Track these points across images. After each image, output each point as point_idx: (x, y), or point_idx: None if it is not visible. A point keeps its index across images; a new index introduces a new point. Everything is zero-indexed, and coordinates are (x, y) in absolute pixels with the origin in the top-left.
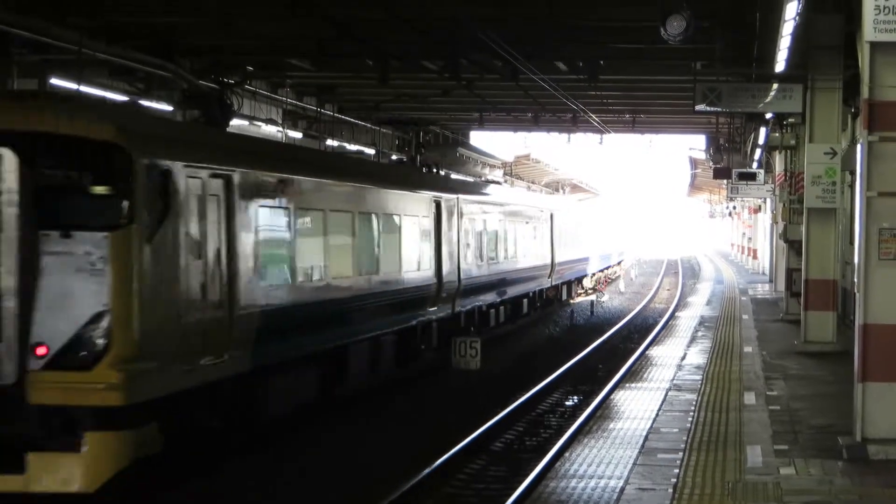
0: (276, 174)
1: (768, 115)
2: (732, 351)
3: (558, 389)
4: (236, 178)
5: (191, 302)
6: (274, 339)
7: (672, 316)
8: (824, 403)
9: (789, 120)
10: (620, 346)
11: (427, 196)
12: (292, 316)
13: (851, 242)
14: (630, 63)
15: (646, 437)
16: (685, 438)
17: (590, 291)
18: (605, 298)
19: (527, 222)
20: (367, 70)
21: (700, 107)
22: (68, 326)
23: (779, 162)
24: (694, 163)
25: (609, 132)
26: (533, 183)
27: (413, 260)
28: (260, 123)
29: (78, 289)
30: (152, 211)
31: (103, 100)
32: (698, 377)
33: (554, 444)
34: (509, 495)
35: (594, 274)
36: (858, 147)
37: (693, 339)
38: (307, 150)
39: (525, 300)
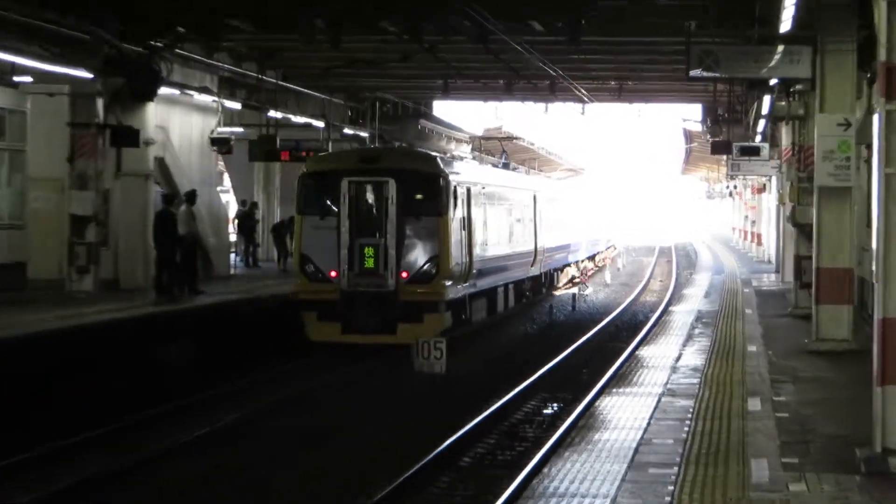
0: (488, 185)
1: (773, 82)
2: (734, 351)
3: (536, 395)
4: (472, 188)
5: (460, 252)
6: (481, 278)
7: (665, 311)
8: (839, 410)
9: (797, 87)
10: (607, 345)
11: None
12: (488, 267)
13: (869, 225)
14: (615, 23)
15: (636, 450)
16: (681, 451)
17: (570, 284)
18: (588, 291)
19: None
20: (315, 32)
21: (695, 72)
22: (418, 262)
23: (785, 135)
24: (689, 136)
25: (592, 101)
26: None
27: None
28: (192, 92)
29: (423, 244)
30: (450, 206)
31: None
32: (695, 381)
33: (531, 458)
34: None
35: (580, 262)
36: (875, 117)
37: (689, 338)
38: (494, 169)
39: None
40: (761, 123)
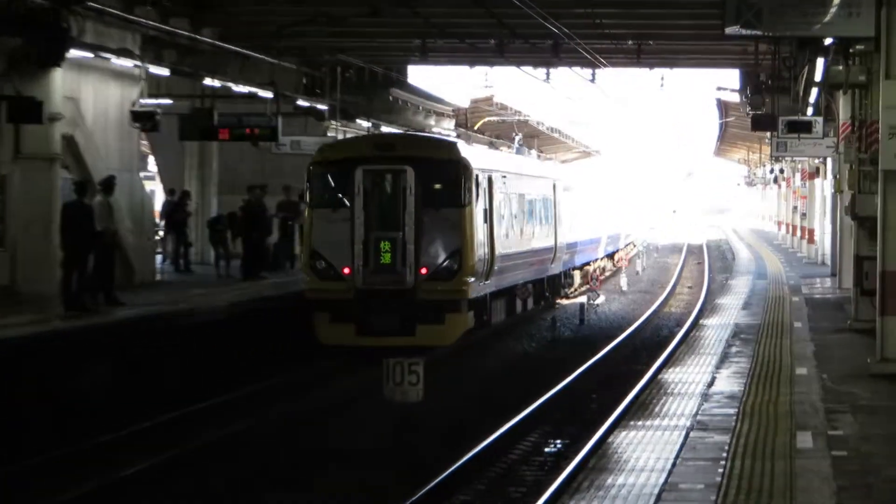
0: (508, 173)
1: (827, 42)
2: (780, 374)
3: (537, 429)
4: (493, 176)
5: (483, 247)
6: (502, 275)
7: (694, 325)
8: None
9: (857, 48)
10: (622, 367)
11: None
12: (509, 264)
13: None
14: None
15: (658, 497)
16: (714, 498)
17: (575, 292)
18: (600, 301)
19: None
20: None
21: (732, 30)
22: (439, 258)
23: (843, 107)
24: (724, 109)
25: (604, 66)
26: (497, 139)
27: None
28: (109, 56)
29: (444, 238)
30: (473, 196)
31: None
32: (732, 411)
33: None
34: None
35: (598, 260)
36: None
37: (724, 358)
38: (512, 155)
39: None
40: (813, 93)
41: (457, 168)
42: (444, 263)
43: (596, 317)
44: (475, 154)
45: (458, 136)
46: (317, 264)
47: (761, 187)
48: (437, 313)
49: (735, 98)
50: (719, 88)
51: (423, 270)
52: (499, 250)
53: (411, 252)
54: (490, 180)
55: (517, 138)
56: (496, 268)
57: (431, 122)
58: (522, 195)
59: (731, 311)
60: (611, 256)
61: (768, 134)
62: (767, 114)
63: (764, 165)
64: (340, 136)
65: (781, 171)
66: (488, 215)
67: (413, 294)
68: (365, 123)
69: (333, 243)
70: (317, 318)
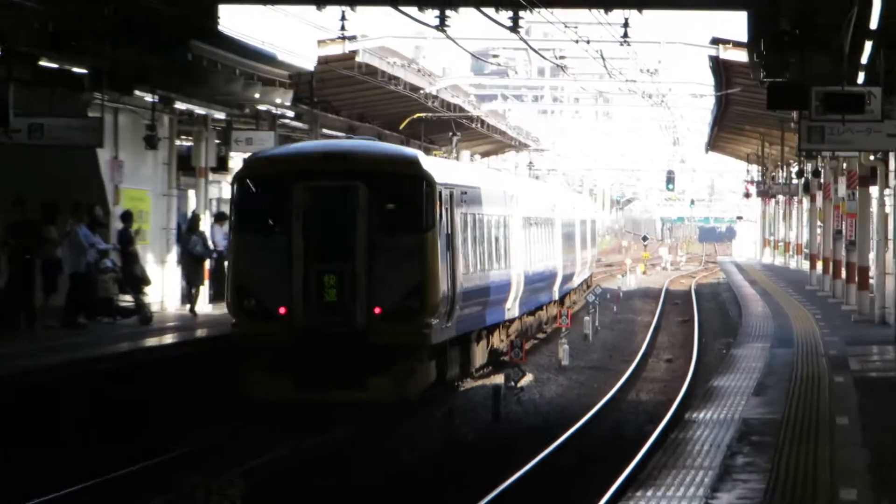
0: (466, 187)
1: None
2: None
3: None
4: (454, 193)
5: (446, 281)
6: (462, 317)
7: (677, 421)
8: None
9: None
10: (558, 497)
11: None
12: (470, 302)
13: None
14: None
15: None
16: None
17: (483, 370)
18: (527, 381)
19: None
20: None
21: None
22: (396, 294)
23: None
24: (723, 73)
25: (533, 5)
26: (361, 122)
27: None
28: None
29: (403, 269)
30: (437, 218)
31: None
32: None
33: None
34: None
35: (553, 303)
36: None
37: (725, 476)
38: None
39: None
40: (866, 49)
41: (419, 185)
42: (403, 301)
43: (519, 408)
44: (438, 167)
45: (301, 117)
46: (245, 303)
47: (783, 200)
48: (394, 362)
49: (741, 57)
50: (716, 42)
51: (377, 309)
52: (462, 285)
53: (363, 287)
54: (451, 198)
55: (455, 140)
56: (458, 308)
57: (255, 93)
58: (482, 216)
59: (735, 399)
60: (561, 301)
61: (794, 115)
62: (793, 82)
63: (787, 165)
64: (107, 116)
65: (816, 172)
66: (450, 241)
67: (364, 338)
68: (148, 97)
69: (266, 277)
70: (246, 368)
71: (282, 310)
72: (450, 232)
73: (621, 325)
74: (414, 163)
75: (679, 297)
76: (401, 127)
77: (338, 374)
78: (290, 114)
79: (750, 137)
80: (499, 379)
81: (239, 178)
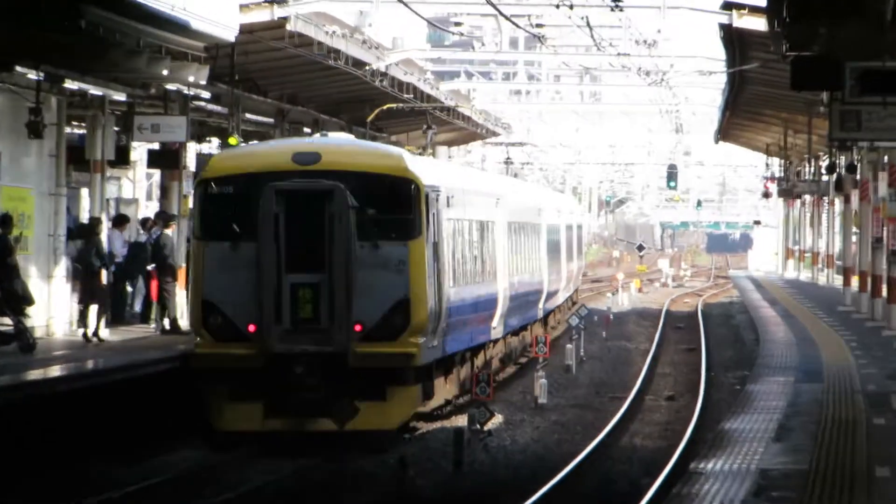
0: (455, 190)
1: None
2: None
3: None
4: (440, 196)
5: (434, 294)
6: (450, 335)
7: (681, 472)
8: None
9: None
10: None
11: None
12: (459, 319)
13: None
14: None
15: None
16: None
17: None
18: (495, 423)
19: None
20: None
21: None
22: (379, 309)
23: None
24: (737, 49)
25: None
26: (294, 105)
27: None
28: None
29: (387, 282)
30: (425, 225)
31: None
32: None
33: None
34: None
35: (538, 321)
36: None
37: None
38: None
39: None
40: None
41: (405, 187)
42: (388, 317)
43: (487, 456)
44: (424, 167)
45: (220, 99)
46: (210, 320)
47: (810, 201)
48: (378, 385)
49: (759, 26)
50: (729, 7)
51: (358, 327)
52: (450, 299)
53: (342, 302)
54: (438, 201)
55: (430, 134)
56: (444, 324)
57: (163, 69)
58: (468, 222)
59: (751, 446)
60: (545, 320)
61: (823, 97)
62: (822, 56)
63: (816, 158)
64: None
65: (851, 167)
66: (437, 251)
67: (344, 359)
68: (31, 75)
69: (233, 291)
70: (211, 394)
71: (251, 328)
72: (437, 240)
73: (612, 354)
74: (399, 162)
75: (683, 320)
76: (368, 118)
77: (314, 401)
78: (206, 95)
79: (770, 124)
80: (462, 420)
81: (202, 181)
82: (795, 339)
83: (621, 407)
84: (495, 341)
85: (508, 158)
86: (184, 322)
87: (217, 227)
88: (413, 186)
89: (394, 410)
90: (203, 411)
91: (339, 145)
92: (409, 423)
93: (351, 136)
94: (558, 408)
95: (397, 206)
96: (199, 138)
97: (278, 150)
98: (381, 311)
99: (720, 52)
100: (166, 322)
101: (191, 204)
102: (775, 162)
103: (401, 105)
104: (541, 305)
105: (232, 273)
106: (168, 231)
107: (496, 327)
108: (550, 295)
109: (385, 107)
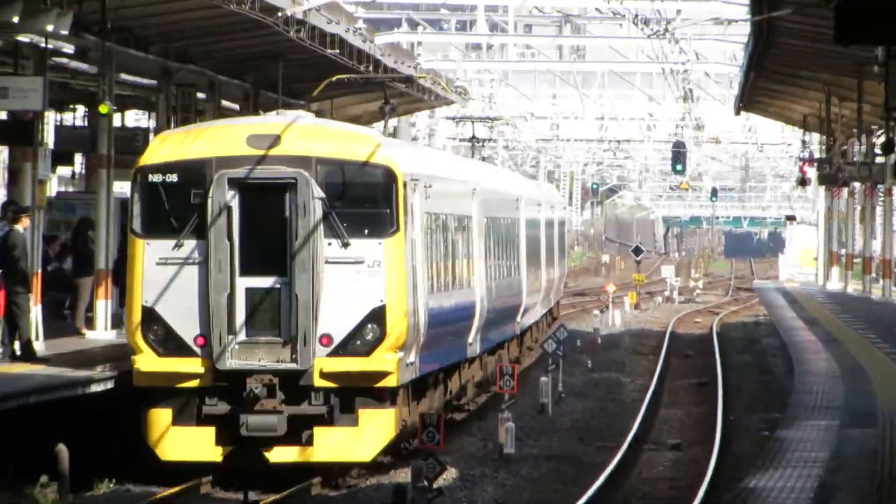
0: (432, 176)
1: None
2: None
3: None
4: (418, 185)
5: (413, 301)
6: (428, 349)
7: None
8: None
9: None
10: None
11: None
12: (437, 332)
13: None
14: None
15: None
16: None
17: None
18: (447, 480)
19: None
20: None
21: None
22: (349, 319)
23: None
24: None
25: None
26: (182, 63)
27: None
28: None
29: (358, 287)
30: (404, 219)
31: None
32: None
33: None
34: None
35: (514, 338)
36: None
37: None
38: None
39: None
40: None
41: (381, 175)
42: (359, 328)
43: None
44: (402, 152)
45: (87, 54)
46: (151, 330)
47: (860, 189)
48: (348, 409)
49: None
50: None
51: (325, 340)
52: (428, 309)
53: (307, 310)
54: (415, 192)
55: (388, 109)
56: (424, 337)
57: (12, 16)
58: (444, 216)
59: None
60: (521, 338)
61: (878, 53)
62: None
63: (868, 133)
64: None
65: None
66: (415, 249)
67: (309, 378)
68: None
69: (178, 297)
70: (151, 417)
71: (200, 341)
72: (414, 237)
73: (599, 389)
74: (373, 146)
75: (693, 346)
76: (315, 92)
77: (272, 426)
78: (70, 49)
79: (807, 89)
80: (403, 475)
81: (139, 170)
82: (840, 371)
83: (612, 459)
84: (471, 360)
85: (475, 138)
86: (40, 345)
87: (158, 221)
88: (390, 174)
89: (367, 439)
90: (143, 438)
91: (301, 126)
92: (382, 456)
93: (311, 115)
94: (529, 459)
95: (371, 197)
96: (61, 106)
97: (229, 133)
98: (353, 322)
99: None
100: (17, 346)
101: (49, 192)
102: (814, 139)
103: (354, 77)
104: (518, 319)
105: (176, 276)
106: (19, 227)
107: (472, 343)
108: (528, 308)
109: (336, 77)
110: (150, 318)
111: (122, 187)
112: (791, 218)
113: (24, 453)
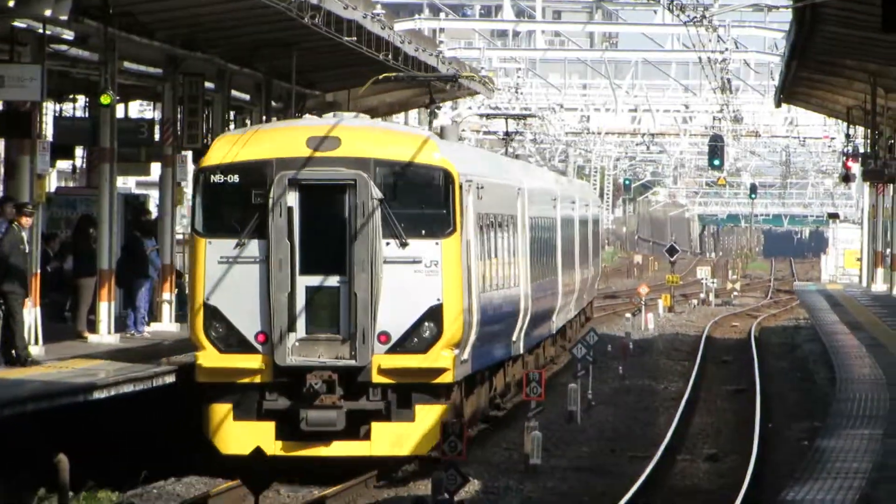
0: (484, 178)
1: None
2: None
3: None
4: (474, 187)
5: (469, 301)
6: (481, 347)
7: None
8: None
9: None
10: None
11: None
12: (488, 330)
13: None
14: None
15: None
16: None
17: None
18: (469, 493)
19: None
20: None
21: None
22: (407, 318)
23: None
24: None
25: None
26: (190, 52)
27: None
28: None
29: (416, 287)
30: (461, 221)
31: None
32: None
33: None
34: None
35: (552, 336)
36: None
37: None
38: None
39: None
40: None
41: (438, 177)
42: (417, 327)
43: None
44: (457, 153)
45: (88, 41)
46: (213, 328)
47: None
48: (405, 404)
49: None
50: None
51: (383, 338)
52: (481, 307)
53: (365, 308)
54: (469, 193)
55: (432, 108)
56: (476, 335)
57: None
58: (494, 216)
59: None
60: (555, 339)
61: None
62: None
63: None
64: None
65: None
66: (470, 249)
67: (367, 374)
68: None
69: (240, 295)
70: (212, 412)
71: (260, 338)
72: (468, 237)
73: (631, 396)
74: (430, 147)
75: (730, 351)
76: (361, 91)
77: (331, 422)
78: (70, 35)
79: (852, 80)
80: (424, 488)
81: (201, 170)
82: (886, 379)
83: (644, 470)
84: (515, 359)
85: (508, 133)
86: (37, 350)
87: (220, 221)
88: (447, 176)
89: (424, 433)
90: (204, 432)
91: (359, 128)
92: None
93: (366, 117)
94: (557, 471)
95: (429, 198)
96: (60, 96)
97: (289, 134)
98: (410, 320)
99: None
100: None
101: (48, 187)
102: (859, 132)
103: (400, 75)
104: (554, 318)
105: (236, 275)
106: (17, 225)
107: (516, 342)
108: (564, 306)
109: (383, 76)
110: (213, 315)
111: (124, 182)
112: (834, 216)
113: (23, 462)
